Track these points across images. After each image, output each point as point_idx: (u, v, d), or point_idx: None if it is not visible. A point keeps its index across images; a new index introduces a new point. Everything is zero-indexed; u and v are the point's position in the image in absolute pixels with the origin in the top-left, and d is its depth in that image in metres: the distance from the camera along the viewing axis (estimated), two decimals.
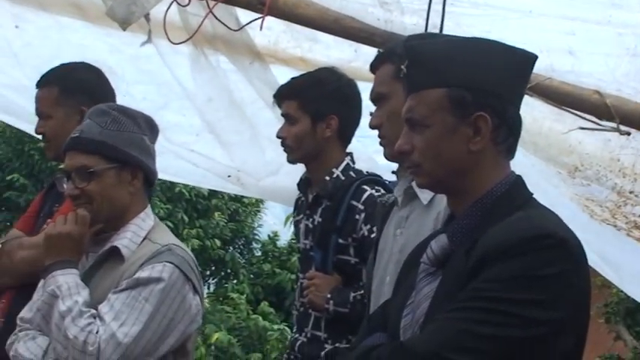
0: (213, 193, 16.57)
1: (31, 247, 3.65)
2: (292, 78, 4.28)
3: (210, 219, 16.72)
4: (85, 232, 3.20)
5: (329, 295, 4.01)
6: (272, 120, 4.49)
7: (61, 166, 3.38)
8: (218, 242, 16.62)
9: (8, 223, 16.09)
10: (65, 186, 3.32)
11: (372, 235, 3.83)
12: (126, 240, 3.22)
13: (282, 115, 4.20)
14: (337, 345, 4.04)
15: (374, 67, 3.39)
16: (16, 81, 4.86)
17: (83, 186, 3.20)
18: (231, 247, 17.61)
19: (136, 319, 3.02)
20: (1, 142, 16.56)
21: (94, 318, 3.03)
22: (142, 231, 3.26)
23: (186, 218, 15.87)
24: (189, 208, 16.37)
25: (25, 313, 3.32)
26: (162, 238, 3.25)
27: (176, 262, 3.13)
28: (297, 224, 4.36)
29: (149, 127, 3.35)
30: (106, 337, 2.98)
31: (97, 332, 2.99)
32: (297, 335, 4.23)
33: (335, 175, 4.14)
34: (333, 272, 4.07)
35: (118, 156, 3.22)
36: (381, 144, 3.37)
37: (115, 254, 3.21)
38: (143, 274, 3.09)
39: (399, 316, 2.46)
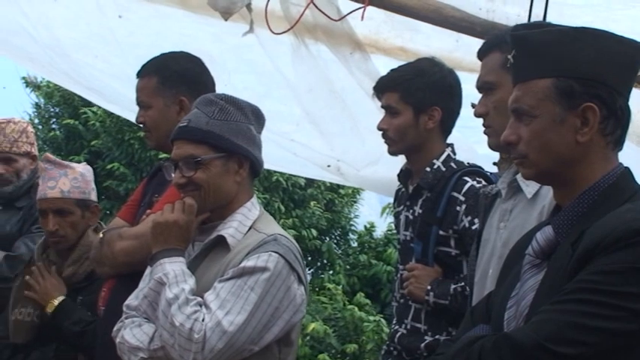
0: (309, 183, 16.57)
1: (131, 238, 3.70)
2: (392, 69, 4.25)
3: (306, 209, 16.69)
4: (192, 221, 3.23)
5: (429, 287, 4.00)
6: (372, 110, 4.48)
7: (162, 156, 3.42)
8: (314, 232, 16.56)
9: (108, 212, 16.29)
10: (172, 174, 3.35)
11: (474, 227, 3.82)
12: (232, 229, 3.25)
13: (383, 106, 4.19)
14: (437, 337, 4.03)
15: (481, 54, 3.38)
16: (119, 70, 4.92)
17: (190, 175, 3.23)
18: (327, 238, 17.54)
19: (242, 308, 3.04)
20: (102, 131, 16.74)
21: (200, 306, 3.06)
22: (248, 220, 3.29)
23: (282, 208, 15.86)
24: (285, 197, 16.37)
25: (131, 300, 3.36)
26: (267, 228, 3.27)
27: (281, 251, 3.15)
28: (397, 215, 4.35)
29: (255, 117, 3.36)
30: (211, 325, 3.01)
31: (202, 320, 3.02)
32: (396, 327, 4.23)
33: (436, 167, 4.12)
34: (434, 264, 4.06)
35: (225, 145, 3.24)
36: (485, 133, 3.36)
37: (221, 243, 3.24)
38: (249, 263, 3.11)
39: (502, 308, 2.45)
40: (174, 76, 3.89)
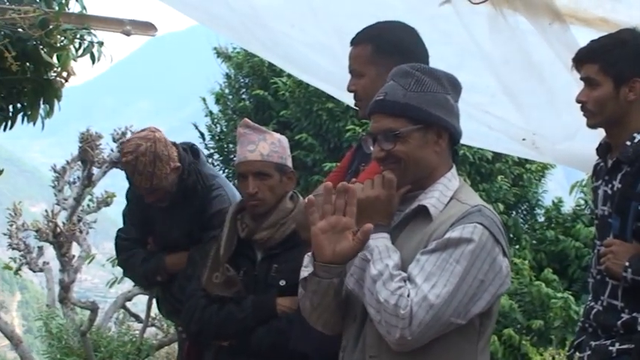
0: (496, 157, 16.42)
1: None
2: (592, 40, 4.17)
3: (493, 183, 16.58)
4: (393, 195, 3.23)
5: (627, 263, 3.91)
6: (570, 83, 4.39)
7: (349, 127, 3.42)
8: (501, 206, 16.42)
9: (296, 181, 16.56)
10: (371, 148, 3.35)
11: None
12: (433, 199, 3.23)
13: (582, 78, 4.11)
14: (635, 315, 3.94)
15: None
16: (314, 39, 4.94)
17: (389, 148, 3.21)
18: (514, 212, 17.39)
19: (447, 281, 3.03)
20: (291, 101, 16.98)
21: (405, 281, 3.06)
22: (449, 191, 3.26)
23: (469, 181, 15.81)
24: (472, 171, 16.29)
25: None
26: (470, 199, 3.25)
27: (486, 223, 3.12)
28: (595, 190, 4.27)
29: (452, 86, 3.33)
30: (417, 300, 3.01)
31: (408, 295, 3.02)
32: (592, 303, 4.16)
33: (636, 140, 4.02)
34: (633, 240, 3.96)
35: (423, 117, 3.21)
36: None
37: (423, 213, 3.23)
38: (454, 234, 3.08)
39: None
40: (389, 46, 3.86)
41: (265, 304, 4.42)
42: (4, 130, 6.07)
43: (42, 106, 5.87)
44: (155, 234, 5.36)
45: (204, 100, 19.44)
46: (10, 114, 5.93)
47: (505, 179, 16.76)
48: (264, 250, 4.53)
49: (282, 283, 4.41)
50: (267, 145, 4.51)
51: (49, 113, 5.90)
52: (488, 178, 16.69)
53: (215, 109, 19.15)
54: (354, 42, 3.97)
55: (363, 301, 3.16)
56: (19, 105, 5.90)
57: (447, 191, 3.26)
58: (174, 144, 5.09)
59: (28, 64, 5.60)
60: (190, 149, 5.24)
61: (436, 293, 3.01)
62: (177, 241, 5.18)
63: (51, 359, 16.23)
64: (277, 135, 4.66)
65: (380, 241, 3.16)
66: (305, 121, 16.79)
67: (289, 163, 4.62)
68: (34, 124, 5.91)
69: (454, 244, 3.06)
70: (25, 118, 5.92)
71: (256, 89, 17.91)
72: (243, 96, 18.62)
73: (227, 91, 18.99)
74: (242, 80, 18.75)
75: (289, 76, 15.89)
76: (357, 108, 4.07)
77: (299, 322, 3.76)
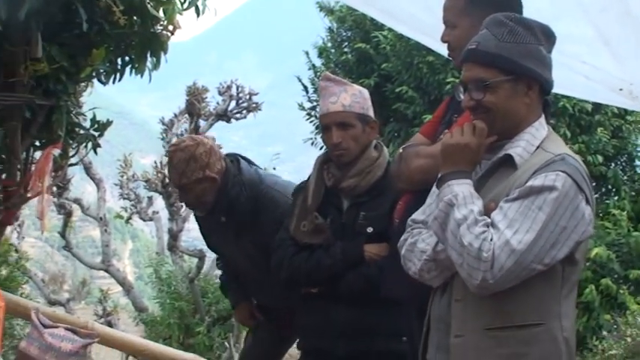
0: (596, 109, 16.18)
1: (427, 157, 3.75)
2: None
3: (592, 135, 16.36)
4: (482, 144, 3.24)
5: None
6: None
7: (449, 79, 3.41)
8: (600, 158, 16.24)
9: (396, 134, 16.54)
10: (462, 96, 3.35)
11: None
12: (519, 149, 3.24)
13: None
14: None
15: None
16: None
17: (479, 98, 3.23)
18: (613, 164, 17.17)
19: (530, 227, 3.05)
20: (392, 55, 16.95)
21: (488, 226, 3.08)
22: (536, 140, 3.26)
23: (568, 133, 15.62)
24: (572, 123, 16.08)
25: (418, 215, 3.47)
26: (555, 148, 3.24)
27: (569, 171, 3.12)
28: None
29: (546, 37, 3.30)
30: (500, 244, 3.03)
31: (491, 240, 3.05)
32: None
33: None
34: None
35: (514, 68, 3.21)
36: None
37: (508, 162, 3.24)
38: (536, 182, 3.10)
39: None
40: None
41: (353, 251, 4.45)
42: (113, 82, 6.17)
43: (149, 58, 5.93)
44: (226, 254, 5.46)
45: (307, 53, 19.51)
46: (119, 67, 6.04)
47: (604, 131, 16.54)
48: (351, 197, 4.57)
49: (370, 230, 4.44)
50: (349, 97, 4.53)
51: (155, 66, 5.96)
52: (588, 130, 16.49)
53: (318, 62, 19.22)
54: None
55: (444, 245, 3.20)
56: (127, 58, 5.98)
57: (533, 140, 3.26)
58: (224, 158, 5.11)
59: (135, 17, 5.65)
60: (236, 160, 5.22)
61: (518, 239, 3.04)
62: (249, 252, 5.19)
63: (160, 304, 16.61)
64: (358, 87, 4.68)
65: (465, 187, 3.19)
66: (405, 74, 16.76)
67: (371, 113, 4.62)
68: (142, 76, 5.97)
69: (537, 192, 3.08)
70: (133, 71, 6.01)
71: (358, 42, 17.91)
72: (345, 49, 18.62)
73: (329, 44, 19.03)
74: (344, 34, 18.77)
75: (390, 29, 15.83)
76: (451, 58, 4.05)
77: (390, 269, 3.79)
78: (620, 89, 5.02)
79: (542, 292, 3.16)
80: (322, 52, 19.07)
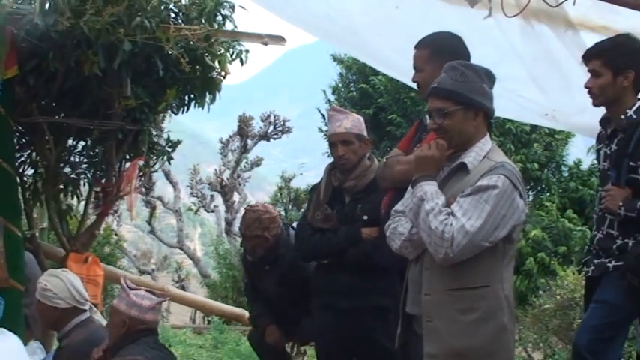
0: (533, 129, 16.18)
1: (406, 164, 3.69)
2: (597, 42, 4.04)
3: (530, 148, 16.38)
4: (443, 156, 3.22)
5: (621, 204, 3.82)
6: (581, 73, 4.24)
7: (427, 109, 3.38)
8: (536, 165, 16.28)
9: (388, 149, 16.53)
10: (428, 121, 3.34)
11: None
12: (471, 158, 3.21)
13: (589, 70, 3.98)
14: (626, 240, 3.86)
15: None
16: (397, 45, 4.82)
17: (440, 122, 3.21)
18: (545, 169, 17.15)
19: (479, 215, 3.03)
20: (385, 92, 17.04)
21: (449, 215, 3.06)
22: (483, 152, 3.22)
23: (512, 147, 15.66)
24: (514, 139, 16.08)
25: (398, 207, 3.42)
26: (497, 157, 3.21)
27: (507, 174, 3.10)
28: (598, 152, 4.15)
29: (488, 77, 3.27)
30: (457, 228, 3.02)
31: (451, 225, 3.03)
32: (595, 232, 4.07)
33: (628, 115, 3.91)
34: (625, 187, 3.85)
35: (464, 100, 3.19)
36: None
37: (462, 168, 3.21)
38: (483, 182, 3.08)
39: None
40: (442, 50, 3.77)
41: (354, 233, 4.41)
42: (182, 112, 6.27)
43: (207, 95, 5.96)
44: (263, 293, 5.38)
45: (324, 91, 19.59)
46: (186, 101, 6.08)
47: (539, 145, 16.60)
48: (352, 194, 4.53)
49: (365, 217, 4.40)
50: (349, 122, 4.51)
51: (212, 100, 6.00)
52: (527, 144, 16.55)
53: (332, 97, 19.26)
54: (417, 47, 3.91)
55: (417, 229, 3.18)
56: (191, 95, 6.02)
57: (481, 152, 3.23)
58: (280, 226, 5.12)
59: (197, 66, 5.68)
60: (286, 226, 5.23)
61: (471, 224, 3.03)
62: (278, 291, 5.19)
63: (219, 273, 16.64)
64: (356, 115, 4.66)
65: (432, 187, 3.17)
66: (395, 106, 16.86)
67: (365, 133, 4.58)
68: (202, 108, 6.03)
69: (484, 190, 3.07)
70: (196, 105, 6.03)
71: (361, 83, 18.01)
72: (352, 88, 18.70)
73: (340, 85, 19.10)
74: (351, 77, 18.82)
75: (384, 74, 15.87)
76: (419, 94, 4.03)
77: (380, 245, 3.76)
78: (546, 114, 5.01)
79: (488, 262, 3.12)
80: (335, 90, 19.14)
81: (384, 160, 3.96)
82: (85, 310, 4.37)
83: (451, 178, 3.25)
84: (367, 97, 17.74)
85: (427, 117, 3.33)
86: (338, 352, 4.56)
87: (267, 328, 5.25)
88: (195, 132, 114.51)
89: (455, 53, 3.69)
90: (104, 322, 4.51)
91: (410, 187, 3.30)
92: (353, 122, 4.52)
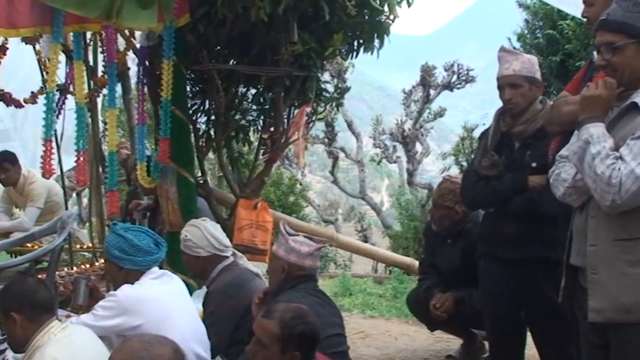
0: None
1: (574, 104, 3.44)
2: None
3: None
4: (612, 95, 2.96)
5: None
6: None
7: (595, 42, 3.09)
8: None
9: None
10: (597, 57, 3.08)
11: None
12: None
13: None
14: None
15: None
16: None
17: (609, 58, 2.96)
18: None
19: None
20: (573, 38, 16.18)
21: (617, 159, 2.82)
22: None
23: None
24: None
25: (563, 151, 3.22)
26: None
27: None
28: None
29: None
30: (626, 173, 2.78)
31: (619, 169, 2.79)
32: None
33: None
34: None
35: (637, 33, 2.91)
36: None
37: (634, 108, 2.93)
38: None
39: None
40: None
41: (520, 180, 4.19)
42: (351, 58, 6.24)
43: (376, 40, 5.84)
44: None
45: (509, 39, 19.00)
46: (355, 47, 6.00)
47: None
48: (521, 140, 4.28)
49: (534, 164, 4.15)
50: (519, 63, 4.24)
51: (381, 45, 5.87)
52: None
53: (517, 45, 18.63)
54: None
55: (582, 174, 2.94)
56: (360, 40, 5.92)
57: None
58: None
59: (365, 10, 5.60)
60: None
61: None
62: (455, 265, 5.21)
63: (399, 222, 16.69)
64: (528, 55, 4.39)
65: (599, 129, 2.91)
66: (583, 52, 15.93)
67: (537, 76, 4.29)
68: (372, 53, 5.92)
69: None
70: (365, 50, 5.93)
71: (547, 29, 17.22)
72: (538, 35, 17.95)
73: (526, 31, 18.41)
74: (537, 23, 18.09)
75: (572, 18, 15.11)
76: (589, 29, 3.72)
77: (547, 193, 3.51)
78: None
79: None
80: (520, 37, 18.44)
81: (551, 103, 3.71)
82: (228, 257, 4.45)
83: (621, 119, 2.96)
84: (554, 44, 16.94)
85: (595, 54, 3.03)
86: (504, 302, 4.38)
87: (444, 295, 5.19)
88: (383, 84, 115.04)
89: None
90: (250, 267, 4.59)
91: (575, 130, 3.05)
92: (523, 63, 4.25)
